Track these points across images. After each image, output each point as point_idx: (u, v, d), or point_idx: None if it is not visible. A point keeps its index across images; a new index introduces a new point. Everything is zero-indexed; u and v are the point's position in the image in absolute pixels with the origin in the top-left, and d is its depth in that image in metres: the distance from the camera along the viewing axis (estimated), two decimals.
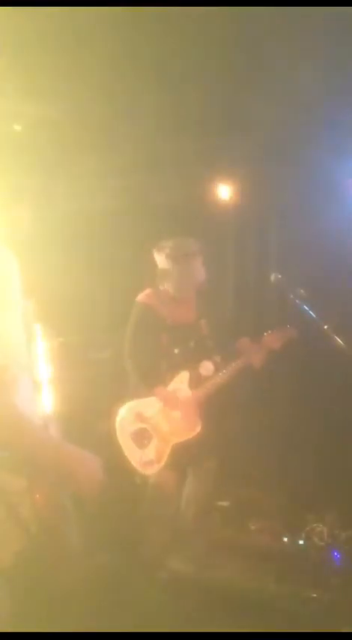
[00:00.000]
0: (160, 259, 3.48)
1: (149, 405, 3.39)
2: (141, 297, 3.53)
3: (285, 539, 3.73)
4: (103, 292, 4.40)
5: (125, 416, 3.41)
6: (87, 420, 3.78)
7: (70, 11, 2.59)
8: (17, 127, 1.92)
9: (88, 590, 2.85)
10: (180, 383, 3.41)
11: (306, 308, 3.38)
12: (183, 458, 3.40)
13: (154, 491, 3.47)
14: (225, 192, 4.72)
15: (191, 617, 2.91)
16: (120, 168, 4.12)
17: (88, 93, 3.41)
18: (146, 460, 3.34)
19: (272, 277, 3.53)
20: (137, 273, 3.97)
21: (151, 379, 3.38)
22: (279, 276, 3.52)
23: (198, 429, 3.37)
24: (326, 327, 3.32)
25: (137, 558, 3.43)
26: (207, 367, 3.44)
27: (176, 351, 3.41)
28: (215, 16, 2.78)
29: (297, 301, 3.40)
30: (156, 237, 3.59)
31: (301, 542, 3.64)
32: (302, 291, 3.42)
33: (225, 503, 4.12)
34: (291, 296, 3.42)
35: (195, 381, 3.42)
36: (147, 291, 3.54)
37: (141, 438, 3.36)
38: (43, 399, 3.29)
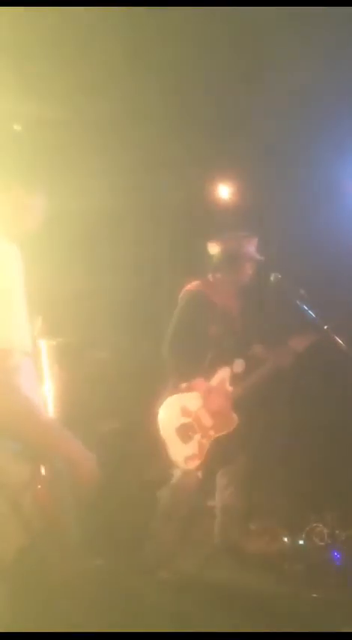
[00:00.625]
0: (218, 246, 3.53)
1: (192, 399, 3.38)
2: (191, 286, 3.55)
3: (285, 539, 3.73)
4: (103, 292, 4.40)
5: (169, 410, 3.38)
6: (87, 420, 3.78)
7: (71, 11, 2.59)
8: (17, 127, 1.92)
9: (88, 590, 2.85)
10: (222, 378, 3.43)
11: (306, 308, 3.38)
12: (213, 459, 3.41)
13: (175, 491, 3.45)
14: (225, 192, 4.72)
15: (191, 617, 2.91)
16: (120, 169, 4.12)
17: (88, 93, 3.41)
18: (189, 455, 3.33)
19: (272, 277, 3.54)
20: (137, 272, 3.97)
21: (194, 371, 3.38)
22: (279, 276, 3.52)
23: (235, 425, 3.40)
24: (326, 327, 3.32)
25: (137, 558, 3.44)
26: (240, 365, 3.47)
27: (222, 344, 3.43)
28: (215, 16, 2.78)
29: (297, 301, 3.40)
30: (157, 238, 3.59)
31: (301, 542, 3.64)
32: (302, 291, 3.42)
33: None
34: (291, 296, 3.42)
35: (233, 379, 3.45)
36: (195, 282, 3.56)
37: (185, 432, 3.34)
38: (44, 387, 3.27)
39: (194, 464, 3.34)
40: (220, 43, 3.08)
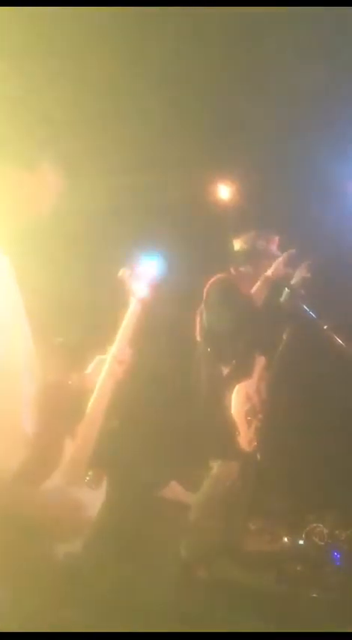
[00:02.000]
0: (245, 242, 3.64)
1: (249, 386, 3.47)
2: (217, 278, 3.61)
3: (285, 539, 3.73)
4: (103, 292, 4.39)
5: (237, 396, 3.45)
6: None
7: (71, 11, 2.59)
8: (17, 127, 1.92)
9: (88, 590, 2.85)
10: (260, 364, 3.53)
11: (306, 308, 3.38)
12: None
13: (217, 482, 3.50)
14: (225, 192, 4.73)
15: (191, 617, 2.91)
16: (120, 168, 4.11)
17: (88, 93, 3.41)
18: (249, 438, 3.44)
19: None
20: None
21: (232, 357, 3.46)
22: None
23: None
24: (325, 327, 3.32)
25: (138, 557, 3.44)
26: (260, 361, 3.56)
27: (252, 331, 3.49)
28: (215, 17, 2.78)
29: (297, 301, 3.40)
30: (157, 238, 3.58)
31: (301, 542, 3.64)
32: (302, 291, 3.42)
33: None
34: (291, 296, 3.42)
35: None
36: (220, 274, 3.63)
37: (250, 416, 3.47)
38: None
39: (252, 448, 3.45)
40: (220, 44, 3.08)
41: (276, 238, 3.69)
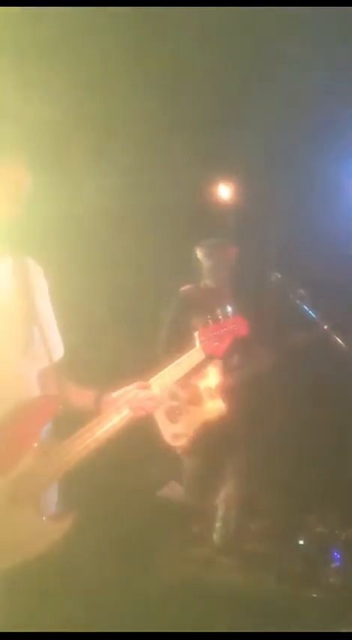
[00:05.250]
0: (200, 256, 3.81)
1: (181, 386, 3.59)
2: (183, 288, 3.84)
3: (285, 540, 3.73)
4: (103, 292, 4.40)
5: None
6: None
7: (71, 11, 2.59)
8: (17, 127, 1.92)
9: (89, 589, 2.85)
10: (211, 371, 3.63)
11: (306, 308, 3.37)
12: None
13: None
14: (225, 192, 4.72)
15: (191, 617, 2.91)
16: (120, 168, 4.11)
17: (88, 93, 3.41)
18: (175, 433, 3.58)
19: (272, 277, 3.53)
20: (137, 272, 3.97)
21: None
22: (279, 276, 3.52)
23: (224, 411, 3.61)
24: (325, 327, 3.32)
25: (137, 557, 3.44)
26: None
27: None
28: (215, 16, 2.78)
29: (297, 301, 3.40)
30: (157, 238, 3.59)
31: (301, 542, 3.64)
32: (302, 291, 3.42)
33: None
34: (291, 296, 3.42)
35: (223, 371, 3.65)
36: (188, 285, 3.84)
37: (173, 414, 3.60)
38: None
39: (180, 442, 3.60)
40: (221, 44, 3.08)
41: (234, 249, 3.86)
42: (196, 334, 2.38)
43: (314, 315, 3.36)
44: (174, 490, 3.95)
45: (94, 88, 3.40)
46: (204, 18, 2.81)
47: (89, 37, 2.91)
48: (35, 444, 1.84)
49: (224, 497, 3.69)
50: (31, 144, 1.92)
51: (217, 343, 2.37)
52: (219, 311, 2.42)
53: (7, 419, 1.81)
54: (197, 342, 2.34)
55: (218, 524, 3.69)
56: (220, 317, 2.41)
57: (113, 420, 1.98)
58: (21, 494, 1.79)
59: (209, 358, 2.39)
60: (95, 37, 2.91)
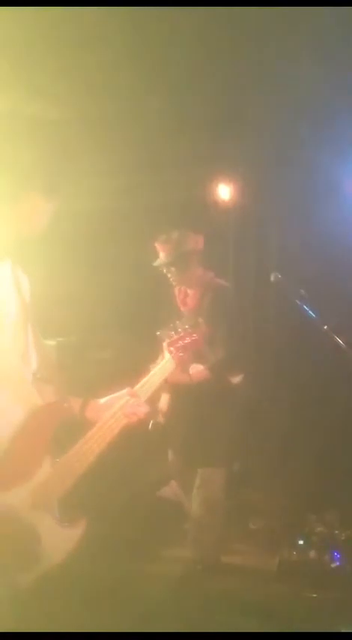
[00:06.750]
0: (159, 249, 3.62)
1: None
2: None
3: (285, 539, 3.73)
4: (103, 292, 4.40)
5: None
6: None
7: (72, 11, 2.59)
8: (18, 127, 1.93)
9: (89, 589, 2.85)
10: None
11: (306, 308, 3.37)
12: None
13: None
14: (225, 192, 4.72)
15: (191, 617, 2.91)
16: (120, 169, 4.11)
17: (89, 93, 3.41)
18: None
19: (272, 277, 3.53)
20: (137, 272, 3.97)
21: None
22: (279, 276, 3.52)
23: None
24: (325, 327, 3.31)
25: (137, 557, 3.44)
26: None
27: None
28: (216, 16, 2.78)
29: (297, 301, 3.40)
30: (157, 238, 3.59)
31: (301, 542, 3.64)
32: (302, 291, 3.41)
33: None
34: (291, 296, 3.42)
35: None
36: None
37: None
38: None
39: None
40: (221, 44, 3.07)
41: (201, 238, 3.66)
42: (165, 345, 2.50)
43: (314, 315, 3.36)
44: (174, 490, 3.95)
45: (96, 88, 3.40)
46: (204, 18, 2.81)
47: (91, 36, 2.90)
48: (48, 452, 1.88)
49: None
50: (31, 144, 1.92)
51: (182, 354, 2.50)
52: (178, 323, 2.56)
53: (19, 428, 1.83)
54: (166, 353, 2.47)
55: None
56: (180, 329, 2.53)
57: (112, 425, 2.06)
58: (40, 501, 1.84)
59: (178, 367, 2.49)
60: (97, 36, 2.91)
